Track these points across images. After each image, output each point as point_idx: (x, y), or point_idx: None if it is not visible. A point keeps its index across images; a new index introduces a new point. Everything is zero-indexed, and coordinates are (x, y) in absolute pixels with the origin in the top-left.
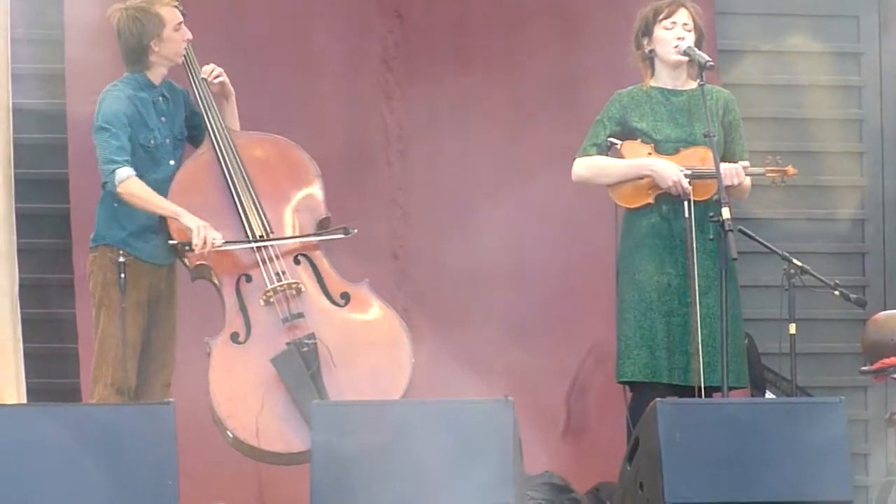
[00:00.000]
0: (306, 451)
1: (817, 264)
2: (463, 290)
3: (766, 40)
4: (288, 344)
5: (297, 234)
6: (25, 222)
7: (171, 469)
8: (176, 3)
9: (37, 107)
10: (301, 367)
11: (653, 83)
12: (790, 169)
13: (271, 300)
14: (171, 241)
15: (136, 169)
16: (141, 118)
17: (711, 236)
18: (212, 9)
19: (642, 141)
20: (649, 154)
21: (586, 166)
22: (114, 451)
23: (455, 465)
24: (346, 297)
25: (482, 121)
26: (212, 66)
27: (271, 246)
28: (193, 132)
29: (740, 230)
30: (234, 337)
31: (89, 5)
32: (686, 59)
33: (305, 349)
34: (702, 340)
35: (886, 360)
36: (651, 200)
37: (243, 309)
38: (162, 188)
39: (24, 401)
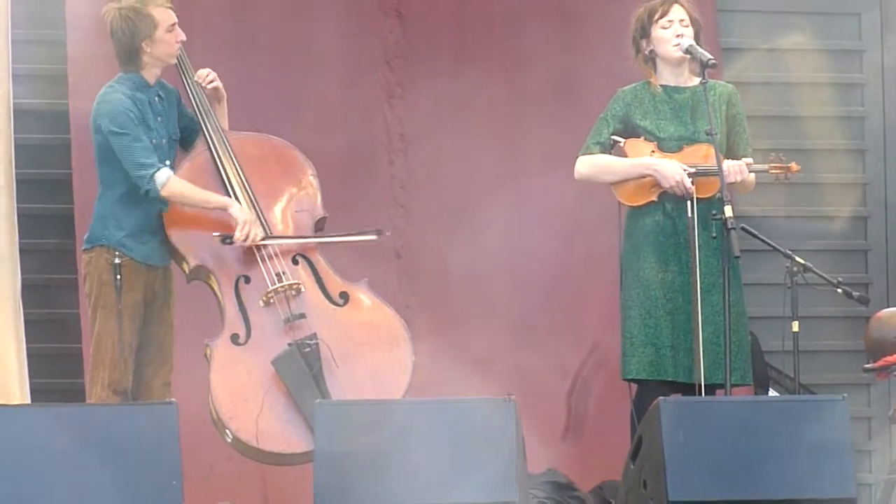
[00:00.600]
0: (308, 452)
1: (820, 262)
2: (465, 290)
3: (767, 39)
4: (290, 345)
5: (295, 233)
6: (28, 222)
7: (174, 469)
8: (170, 5)
9: (38, 106)
10: (303, 367)
11: (656, 81)
12: (794, 166)
13: (271, 301)
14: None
15: None
16: (143, 118)
17: (714, 234)
18: (214, 9)
19: (645, 139)
20: (653, 152)
21: (589, 164)
22: (117, 452)
23: (458, 465)
24: (345, 296)
25: (483, 119)
26: (206, 70)
27: (271, 246)
28: (184, 133)
29: (743, 228)
30: (235, 338)
31: (90, 4)
32: (686, 57)
33: (307, 350)
34: (706, 338)
35: (889, 358)
36: (654, 198)
37: (243, 310)
38: None
39: (28, 401)
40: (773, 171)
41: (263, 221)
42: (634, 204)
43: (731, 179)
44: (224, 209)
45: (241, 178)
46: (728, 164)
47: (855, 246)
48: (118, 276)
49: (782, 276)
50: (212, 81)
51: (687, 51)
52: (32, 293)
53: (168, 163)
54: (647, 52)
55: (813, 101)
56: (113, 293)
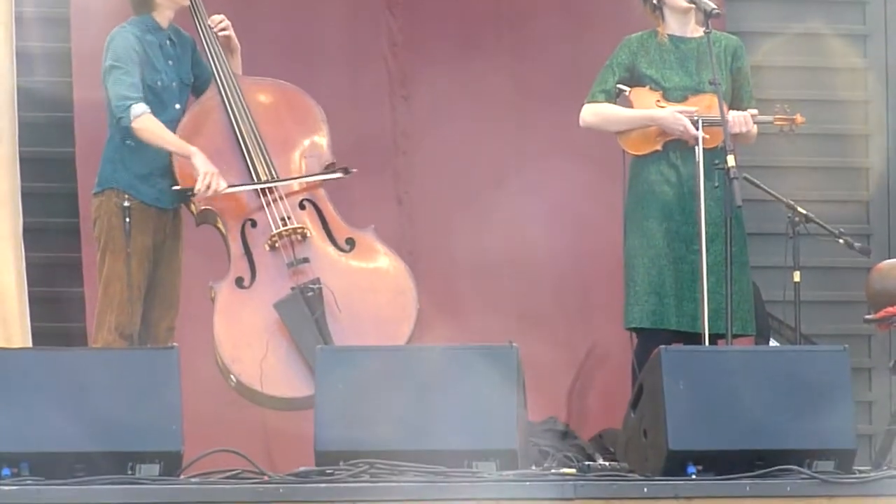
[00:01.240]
0: (310, 397)
1: (822, 212)
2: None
3: None
4: (293, 289)
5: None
6: (30, 166)
7: (175, 414)
8: None
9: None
10: (305, 311)
11: (663, 30)
12: (798, 117)
13: (276, 245)
14: (174, 188)
15: None
16: (148, 59)
17: (717, 184)
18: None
19: (651, 88)
20: (658, 101)
21: (594, 113)
22: (117, 396)
23: (459, 411)
24: (351, 242)
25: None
26: (220, 16)
27: (276, 190)
28: (197, 82)
29: (745, 178)
30: (239, 281)
31: None
32: (692, 6)
33: (310, 294)
34: (709, 288)
35: (890, 309)
36: (659, 147)
37: (248, 254)
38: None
39: (30, 344)
40: (779, 122)
41: (271, 166)
42: (639, 153)
43: (735, 130)
44: (187, 158)
45: (249, 123)
46: (733, 115)
47: (857, 197)
48: (127, 220)
49: (784, 225)
50: (224, 29)
51: (691, 0)
52: (33, 236)
53: (178, 106)
54: (654, 1)
55: (818, 51)
56: (122, 236)
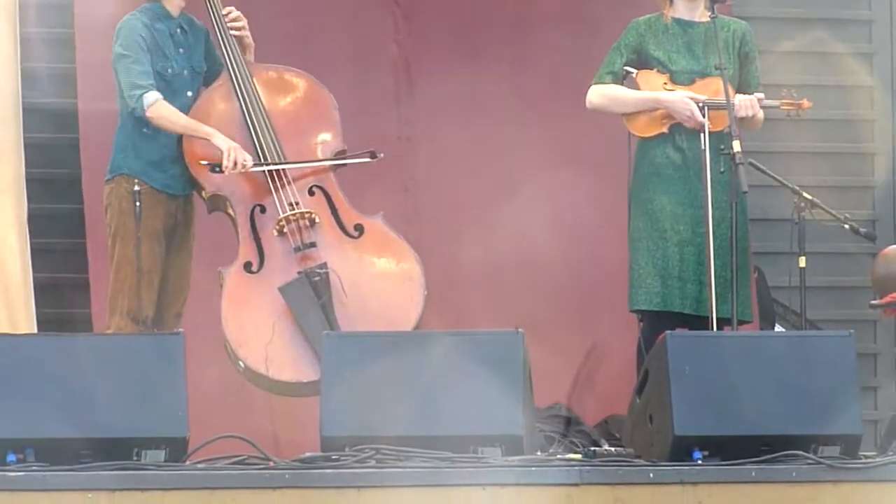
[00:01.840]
0: (316, 382)
1: (827, 198)
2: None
3: None
4: (299, 273)
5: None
6: (35, 152)
7: (180, 400)
8: None
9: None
10: (311, 296)
11: (671, 14)
12: (805, 102)
13: (284, 230)
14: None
15: None
16: (158, 46)
17: (723, 169)
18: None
19: (658, 71)
20: (665, 84)
21: (600, 94)
22: (123, 382)
23: (464, 396)
24: (359, 228)
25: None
26: (236, 13)
27: (285, 176)
28: (210, 71)
29: (751, 163)
30: (248, 266)
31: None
32: None
33: (316, 279)
34: (714, 272)
35: None
36: (665, 130)
37: (257, 239)
38: None
39: (35, 330)
40: (785, 107)
41: (280, 153)
42: (645, 135)
43: (741, 114)
44: (208, 139)
45: (260, 109)
46: (739, 99)
47: (862, 182)
48: (137, 204)
49: (790, 211)
50: (235, 19)
51: None
52: (38, 223)
53: (190, 93)
54: None
55: (823, 38)
56: (132, 221)
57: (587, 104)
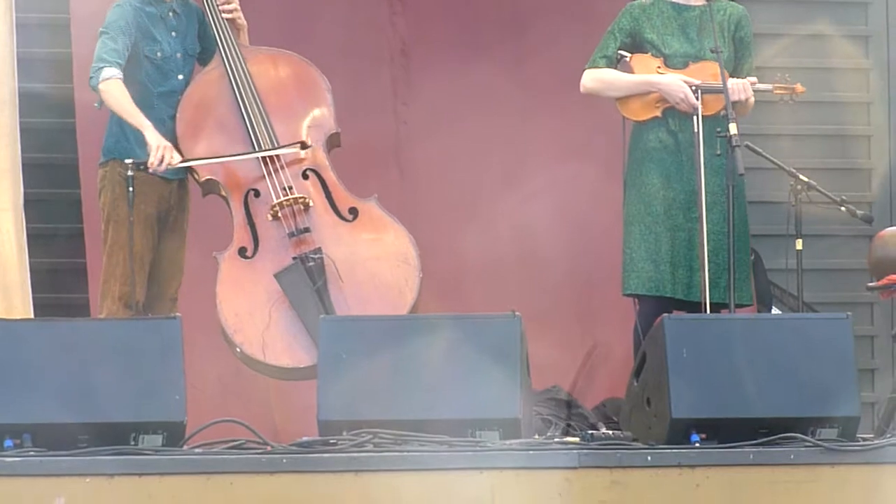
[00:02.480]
0: (313, 367)
1: (824, 180)
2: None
3: None
4: (294, 258)
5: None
6: (31, 136)
7: (178, 384)
8: None
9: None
10: (306, 281)
11: None
12: (798, 87)
13: (278, 215)
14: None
15: (141, 80)
16: (147, 30)
17: (718, 152)
18: None
19: (652, 54)
20: (658, 68)
21: (594, 79)
22: (120, 366)
23: (462, 380)
24: (354, 212)
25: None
26: None
27: (279, 160)
28: (204, 53)
29: (747, 146)
30: (242, 252)
31: None
32: None
33: (311, 264)
34: (707, 256)
35: (893, 277)
36: (659, 114)
37: (251, 224)
38: (169, 101)
39: (31, 315)
40: (778, 91)
41: (272, 137)
42: (639, 119)
43: (735, 97)
44: (142, 131)
45: (252, 93)
46: (732, 83)
47: (859, 165)
48: (131, 189)
49: (786, 194)
50: (228, 8)
51: None
52: (34, 207)
53: (181, 77)
54: None
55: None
56: (125, 206)
57: (581, 88)
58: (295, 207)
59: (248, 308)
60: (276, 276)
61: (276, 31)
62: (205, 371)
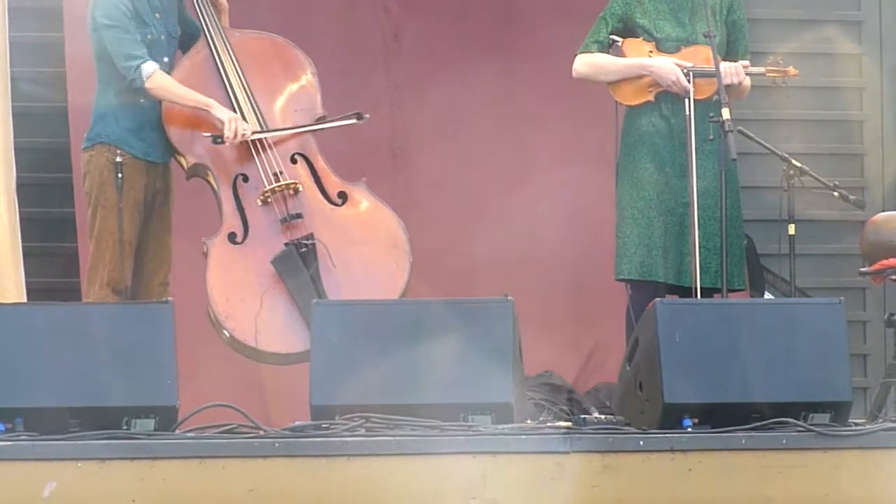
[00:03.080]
0: (305, 352)
1: (816, 165)
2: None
3: None
4: (287, 244)
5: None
6: (24, 120)
7: (170, 368)
8: None
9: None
10: (300, 267)
11: None
12: (791, 70)
13: (269, 200)
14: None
15: None
16: (138, 13)
17: (711, 136)
18: None
19: (644, 39)
20: (650, 52)
21: (586, 63)
22: (112, 351)
23: (454, 364)
24: (343, 196)
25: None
26: None
27: (268, 144)
28: (183, 36)
29: (740, 131)
30: (232, 237)
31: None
32: None
33: (304, 249)
34: (698, 242)
35: (885, 262)
36: (651, 98)
37: (240, 209)
38: None
39: (24, 300)
40: (771, 74)
41: (261, 119)
42: (631, 103)
43: (727, 81)
44: (207, 109)
45: (239, 76)
46: (725, 66)
47: (851, 150)
48: (119, 175)
49: (779, 178)
50: None
51: None
52: (27, 191)
53: (166, 59)
54: None
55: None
56: (114, 192)
57: (573, 73)
58: (286, 192)
59: (239, 294)
60: (272, 262)
61: (270, 15)
62: (196, 355)
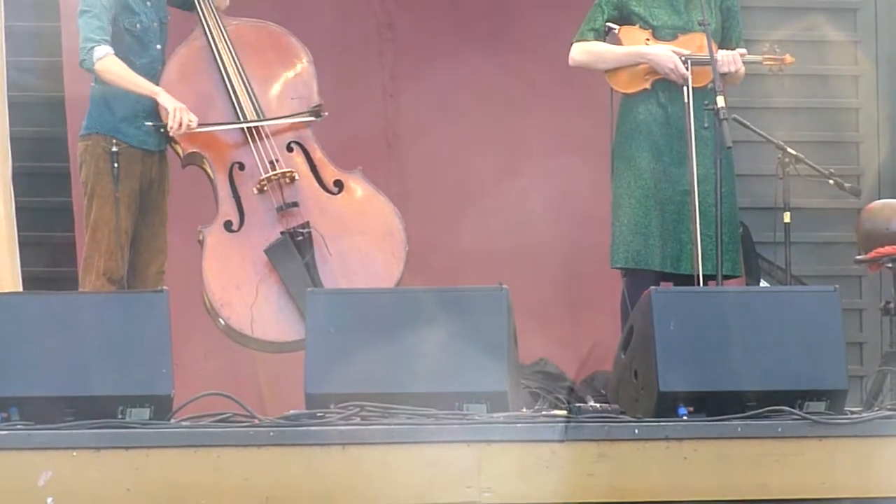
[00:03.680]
0: (300, 340)
1: (812, 153)
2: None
3: None
4: (282, 233)
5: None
6: (20, 110)
7: (165, 357)
8: None
9: None
10: (295, 256)
11: None
12: (788, 58)
13: (265, 188)
14: (146, 123)
15: (122, 53)
16: (125, 2)
17: (706, 124)
18: None
19: (640, 26)
20: (647, 40)
21: (583, 51)
22: (108, 340)
23: (449, 353)
24: (339, 184)
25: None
26: None
27: (264, 132)
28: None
29: (735, 119)
30: (228, 225)
31: None
32: None
33: (300, 238)
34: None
35: (881, 249)
36: (648, 86)
37: (236, 197)
38: (149, 72)
39: (20, 289)
40: (767, 62)
41: (257, 107)
42: (628, 91)
43: (724, 69)
44: (154, 97)
45: (235, 64)
46: (722, 54)
47: (847, 138)
48: (115, 165)
49: (774, 166)
50: None
51: None
52: (23, 181)
53: (159, 46)
54: None
55: None
56: (110, 182)
57: (570, 62)
58: (282, 181)
59: (235, 282)
60: (266, 251)
61: (265, 4)
62: (191, 346)
